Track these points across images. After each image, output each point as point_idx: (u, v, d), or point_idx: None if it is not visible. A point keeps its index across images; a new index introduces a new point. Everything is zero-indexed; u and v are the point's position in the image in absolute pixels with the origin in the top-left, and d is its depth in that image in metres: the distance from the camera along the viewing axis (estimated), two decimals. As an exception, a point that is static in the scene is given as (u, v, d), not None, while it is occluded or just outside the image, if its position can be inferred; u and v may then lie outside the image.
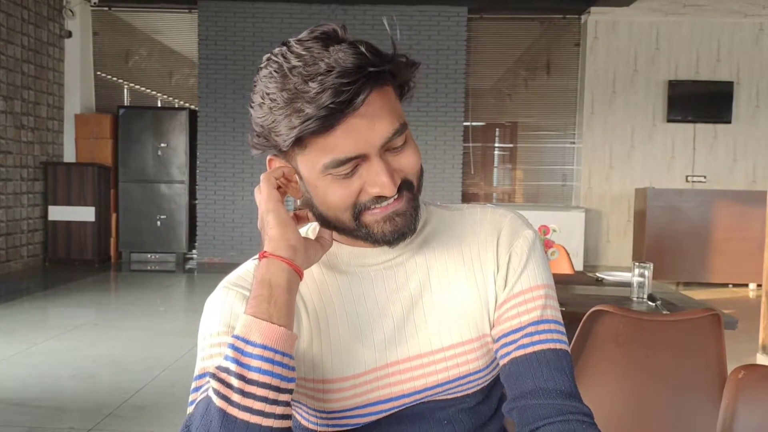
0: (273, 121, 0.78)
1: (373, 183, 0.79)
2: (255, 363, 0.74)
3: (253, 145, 0.83)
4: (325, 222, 0.86)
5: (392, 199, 0.82)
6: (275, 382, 0.74)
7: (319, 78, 0.73)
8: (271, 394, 0.74)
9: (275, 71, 0.77)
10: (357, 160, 0.79)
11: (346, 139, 0.76)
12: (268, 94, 0.77)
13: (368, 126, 0.77)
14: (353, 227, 0.83)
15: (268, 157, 0.86)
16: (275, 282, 0.78)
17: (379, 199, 0.81)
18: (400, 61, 0.80)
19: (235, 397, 0.73)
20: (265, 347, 0.75)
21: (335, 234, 0.89)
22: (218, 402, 0.73)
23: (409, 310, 0.89)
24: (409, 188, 0.84)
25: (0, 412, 2.96)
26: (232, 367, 0.74)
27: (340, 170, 0.79)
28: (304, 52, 0.76)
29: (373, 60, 0.75)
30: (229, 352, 0.75)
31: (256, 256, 0.84)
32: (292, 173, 0.84)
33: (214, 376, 0.75)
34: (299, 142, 0.78)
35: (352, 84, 0.73)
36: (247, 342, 0.75)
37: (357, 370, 0.87)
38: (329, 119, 0.74)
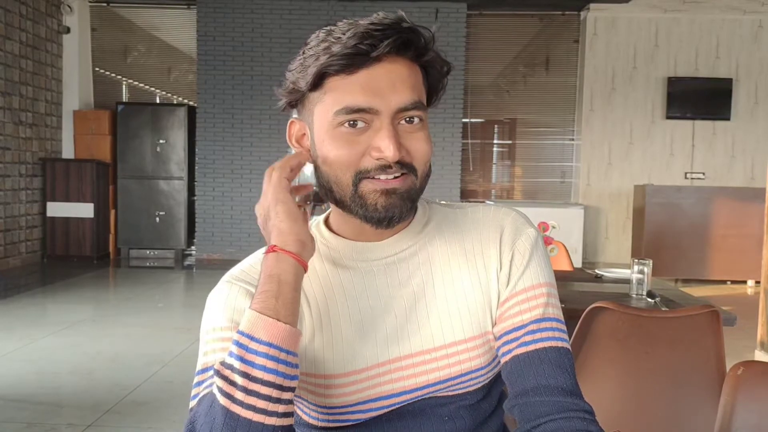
0: (302, 65, 0.82)
1: (377, 145, 0.80)
2: (260, 360, 0.74)
3: (279, 95, 0.87)
4: (326, 188, 0.85)
5: (393, 177, 0.82)
6: (279, 380, 0.74)
7: (354, 27, 0.79)
8: (275, 393, 0.74)
9: (322, 32, 0.82)
10: (369, 115, 0.80)
11: (364, 87, 0.79)
12: (307, 46, 0.82)
13: (389, 82, 0.80)
14: (350, 193, 0.83)
15: (289, 120, 0.89)
16: (284, 278, 0.79)
17: (382, 170, 0.81)
18: (434, 49, 0.84)
19: (239, 395, 0.73)
20: (270, 345, 0.75)
21: (336, 225, 0.90)
22: (222, 400, 0.73)
23: (412, 306, 0.89)
24: (413, 173, 0.84)
25: (-1, 409, 2.97)
26: (236, 364, 0.74)
27: (351, 117, 0.80)
28: (351, 21, 0.82)
29: (408, 25, 0.80)
30: (234, 349, 0.75)
31: (263, 249, 0.84)
32: (307, 158, 0.87)
33: (218, 372, 0.75)
34: (320, 85, 0.81)
35: (381, 31, 0.78)
36: (252, 339, 0.75)
37: (359, 366, 0.87)
38: (352, 59, 0.78)
